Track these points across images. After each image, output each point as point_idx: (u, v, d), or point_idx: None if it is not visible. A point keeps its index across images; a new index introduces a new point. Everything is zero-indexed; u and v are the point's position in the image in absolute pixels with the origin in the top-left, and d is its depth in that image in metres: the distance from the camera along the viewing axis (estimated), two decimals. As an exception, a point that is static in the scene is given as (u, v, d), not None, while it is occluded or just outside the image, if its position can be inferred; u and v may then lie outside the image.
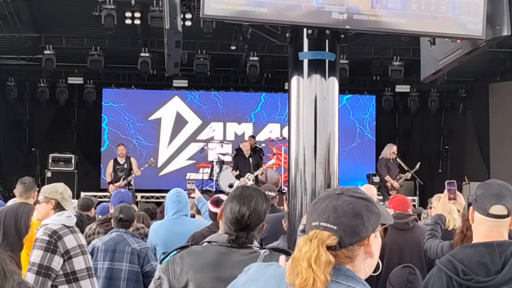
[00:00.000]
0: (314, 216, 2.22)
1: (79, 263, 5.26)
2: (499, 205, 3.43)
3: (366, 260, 2.25)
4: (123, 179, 15.32)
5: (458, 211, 7.36)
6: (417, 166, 15.75)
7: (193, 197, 7.88)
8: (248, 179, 15.34)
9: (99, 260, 6.04)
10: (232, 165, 16.45)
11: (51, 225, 5.25)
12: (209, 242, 3.32)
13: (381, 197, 13.61)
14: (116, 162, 15.80)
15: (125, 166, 15.59)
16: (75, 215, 5.48)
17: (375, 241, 2.27)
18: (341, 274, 2.17)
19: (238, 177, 15.67)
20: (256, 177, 15.48)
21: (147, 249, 6.21)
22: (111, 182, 15.58)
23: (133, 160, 15.97)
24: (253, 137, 17.62)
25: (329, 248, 2.15)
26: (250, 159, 15.82)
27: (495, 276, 3.30)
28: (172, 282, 3.14)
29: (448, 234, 5.68)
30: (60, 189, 5.46)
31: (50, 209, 5.36)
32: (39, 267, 5.05)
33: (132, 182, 15.56)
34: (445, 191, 5.66)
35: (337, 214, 2.19)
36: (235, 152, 16.67)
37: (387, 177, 15.13)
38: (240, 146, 16.33)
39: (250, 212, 3.28)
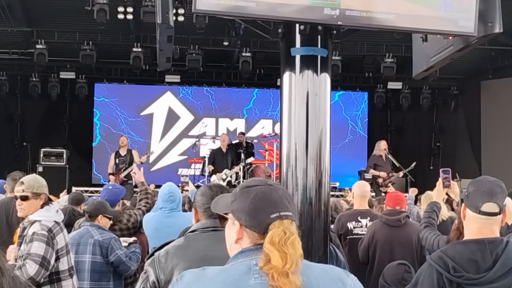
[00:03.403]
0: (271, 209, 2.38)
1: (63, 263, 5.19)
2: (490, 203, 3.42)
3: None
4: (124, 171, 15.31)
5: (452, 204, 7.40)
6: (412, 165, 15.66)
7: (187, 190, 7.88)
8: (226, 175, 15.35)
9: None
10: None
11: (44, 221, 5.11)
12: (191, 232, 3.44)
13: (373, 194, 13.61)
14: (117, 154, 15.80)
15: (127, 158, 15.57)
16: (71, 209, 5.44)
17: None
18: None
19: (214, 171, 15.68)
20: (237, 174, 15.48)
21: (111, 239, 6.21)
22: (111, 174, 15.58)
23: (134, 152, 15.95)
24: (242, 133, 17.63)
25: None
26: (227, 154, 15.90)
27: (486, 273, 3.29)
28: (158, 273, 3.20)
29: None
30: (43, 182, 5.30)
31: (39, 205, 5.21)
32: (43, 259, 4.90)
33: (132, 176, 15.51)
34: (440, 179, 5.69)
35: (287, 202, 2.43)
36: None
37: (371, 171, 15.14)
38: (220, 139, 16.46)
39: (214, 192, 3.51)
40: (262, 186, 2.44)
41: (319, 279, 2.38)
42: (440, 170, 5.77)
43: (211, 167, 15.89)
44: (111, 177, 15.40)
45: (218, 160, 15.92)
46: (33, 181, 5.34)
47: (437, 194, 5.84)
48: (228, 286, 2.30)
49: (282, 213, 2.37)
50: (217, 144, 17.12)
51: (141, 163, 15.60)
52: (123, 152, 15.77)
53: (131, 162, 15.51)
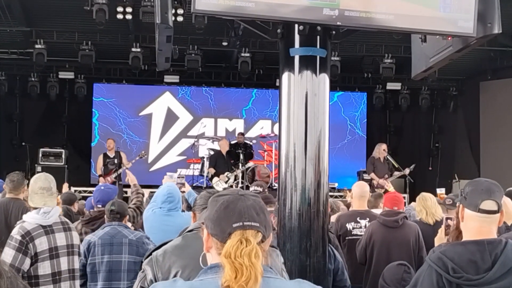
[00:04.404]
0: (234, 218, 2.32)
1: (44, 268, 5.04)
2: (490, 201, 3.42)
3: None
4: (114, 172, 15.32)
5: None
6: (412, 167, 15.60)
7: (183, 191, 7.88)
8: (228, 177, 15.34)
9: (96, 255, 6.05)
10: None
11: (26, 224, 5.05)
12: (189, 231, 3.48)
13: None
14: (106, 156, 15.80)
15: (115, 160, 15.59)
16: (66, 209, 5.35)
17: None
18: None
19: (217, 174, 15.67)
20: (236, 176, 15.49)
21: (142, 237, 6.26)
22: (101, 175, 15.58)
23: (123, 154, 15.98)
24: (242, 134, 17.62)
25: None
26: (228, 157, 15.92)
27: (485, 274, 3.29)
28: (155, 271, 3.23)
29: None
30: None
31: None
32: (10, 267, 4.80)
33: (121, 177, 15.53)
34: (443, 225, 5.67)
35: (255, 212, 2.35)
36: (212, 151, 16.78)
37: (372, 175, 15.10)
38: (219, 144, 16.49)
39: (212, 195, 3.56)
40: (231, 195, 2.41)
41: None
42: (444, 217, 5.74)
43: (212, 170, 15.90)
44: (101, 178, 15.42)
45: (220, 163, 15.92)
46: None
47: (438, 242, 5.85)
48: None
49: (246, 223, 2.30)
50: (215, 145, 17.12)
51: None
52: (111, 154, 15.81)
53: (119, 163, 15.55)
